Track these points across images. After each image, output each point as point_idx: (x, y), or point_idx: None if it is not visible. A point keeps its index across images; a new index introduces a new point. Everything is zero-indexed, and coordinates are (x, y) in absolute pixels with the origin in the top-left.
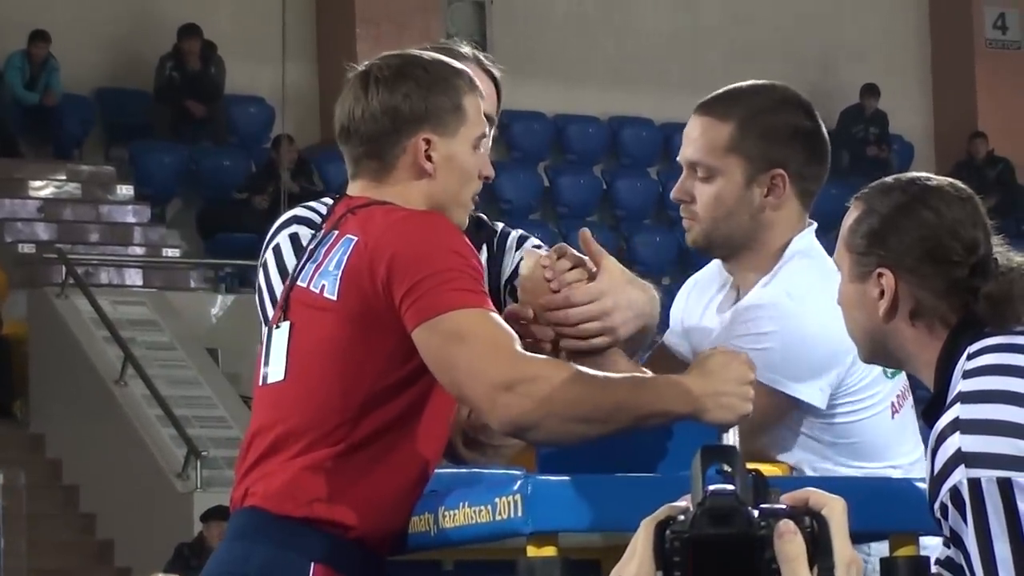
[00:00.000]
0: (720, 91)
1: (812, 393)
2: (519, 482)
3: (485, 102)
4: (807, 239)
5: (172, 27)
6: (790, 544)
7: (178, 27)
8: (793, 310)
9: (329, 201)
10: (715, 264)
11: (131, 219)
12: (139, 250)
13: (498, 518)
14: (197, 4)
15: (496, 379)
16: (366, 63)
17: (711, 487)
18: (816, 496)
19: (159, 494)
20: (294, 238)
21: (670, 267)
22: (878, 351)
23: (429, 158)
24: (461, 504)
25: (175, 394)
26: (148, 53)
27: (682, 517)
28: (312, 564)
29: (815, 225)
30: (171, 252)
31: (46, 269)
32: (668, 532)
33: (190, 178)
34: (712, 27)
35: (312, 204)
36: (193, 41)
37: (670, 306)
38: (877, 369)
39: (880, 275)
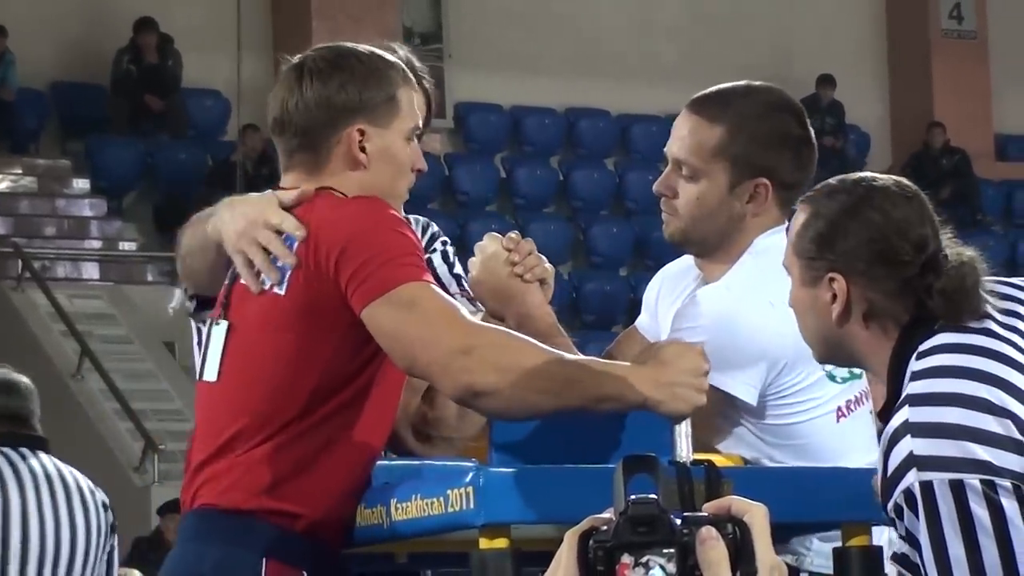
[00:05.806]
0: (713, 90)
1: (738, 387)
2: (471, 474)
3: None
4: (769, 239)
5: (128, 21)
6: (712, 550)
7: (134, 21)
8: (727, 304)
9: None
10: (688, 257)
11: (88, 213)
12: (96, 244)
13: (450, 510)
14: None
15: (453, 344)
16: (299, 55)
17: (633, 496)
18: (738, 504)
19: (116, 488)
20: None
21: (627, 258)
22: (833, 353)
23: (363, 149)
24: (413, 496)
25: (132, 388)
26: (104, 47)
27: (605, 527)
28: (264, 560)
29: (787, 224)
30: (128, 246)
31: (2, 263)
32: (591, 542)
33: (147, 172)
34: (669, 18)
35: None
36: (149, 35)
37: (628, 294)
38: (819, 372)
39: (831, 279)
